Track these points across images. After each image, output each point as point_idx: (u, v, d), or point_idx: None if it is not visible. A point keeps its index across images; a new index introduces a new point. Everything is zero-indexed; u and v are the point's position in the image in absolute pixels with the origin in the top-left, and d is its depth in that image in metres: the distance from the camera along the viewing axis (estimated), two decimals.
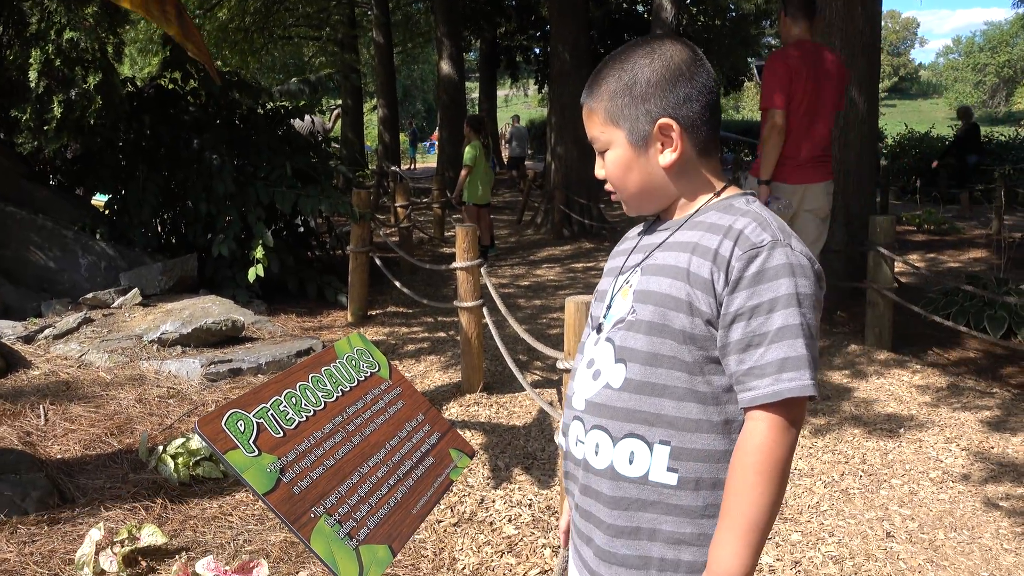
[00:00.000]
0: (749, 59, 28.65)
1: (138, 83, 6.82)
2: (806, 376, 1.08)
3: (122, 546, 2.64)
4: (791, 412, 1.10)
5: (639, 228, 1.37)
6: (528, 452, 3.60)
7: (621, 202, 1.30)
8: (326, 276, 6.62)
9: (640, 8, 20.87)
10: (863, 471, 3.35)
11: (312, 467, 1.37)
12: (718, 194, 1.23)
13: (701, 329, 1.14)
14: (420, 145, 33.30)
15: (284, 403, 1.43)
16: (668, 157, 1.20)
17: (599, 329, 1.29)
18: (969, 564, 2.68)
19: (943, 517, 2.98)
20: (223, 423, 1.29)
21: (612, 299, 1.28)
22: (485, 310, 4.24)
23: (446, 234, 11.04)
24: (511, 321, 3.54)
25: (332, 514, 1.33)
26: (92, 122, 5.35)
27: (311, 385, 1.51)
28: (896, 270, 5.61)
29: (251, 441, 1.31)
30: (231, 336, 4.92)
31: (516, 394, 4.38)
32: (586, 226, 10.92)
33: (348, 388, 1.59)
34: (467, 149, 8.32)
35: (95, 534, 2.63)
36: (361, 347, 1.72)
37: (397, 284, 5.53)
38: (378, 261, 5.86)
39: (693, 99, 1.19)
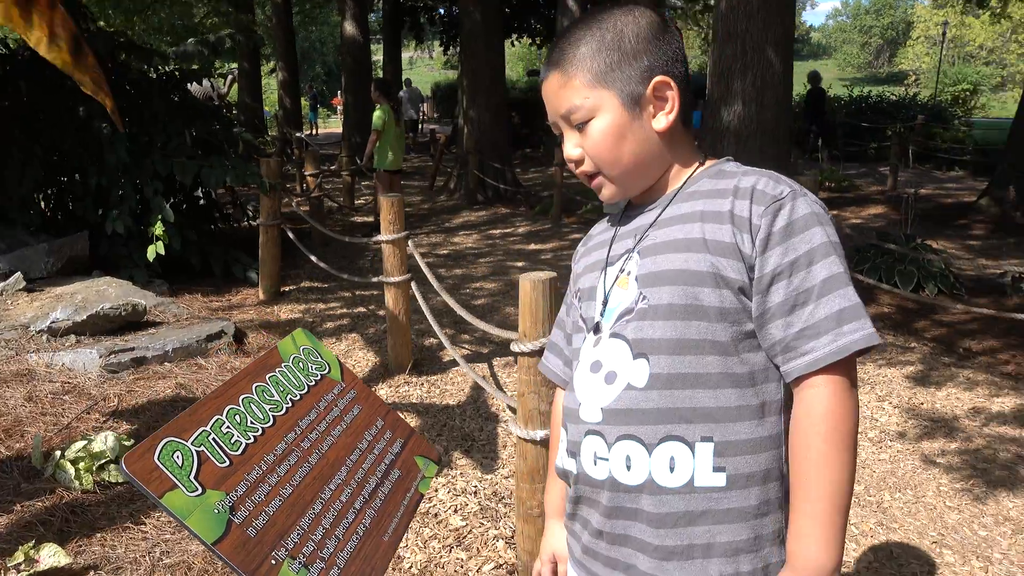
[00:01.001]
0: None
1: (10, 44, 6.13)
2: (868, 324, 0.97)
3: (18, 571, 2.33)
4: (851, 370, 0.99)
5: (604, 223, 1.25)
6: (466, 433, 3.44)
7: (600, 187, 1.13)
8: (233, 251, 6.20)
9: None
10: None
11: (267, 500, 1.15)
12: (702, 163, 1.13)
13: (732, 301, 1.01)
14: (322, 110, 32.15)
15: (227, 423, 1.20)
16: (663, 120, 1.08)
17: (597, 329, 1.12)
18: (917, 524, 2.69)
19: (887, 478, 2.99)
20: (156, 457, 1.06)
21: (608, 294, 1.12)
22: (413, 284, 4.02)
23: (356, 203, 10.65)
24: (446, 297, 3.34)
25: (296, 556, 1.12)
26: None
27: (256, 397, 1.28)
28: None
29: (192, 477, 1.08)
30: (132, 321, 4.51)
31: (447, 371, 4.20)
32: (501, 191, 10.74)
33: (298, 396, 1.37)
34: (376, 113, 7.91)
35: None
36: (308, 345, 1.50)
37: (313, 259, 5.22)
38: (291, 234, 5.51)
39: (680, 58, 1.10)
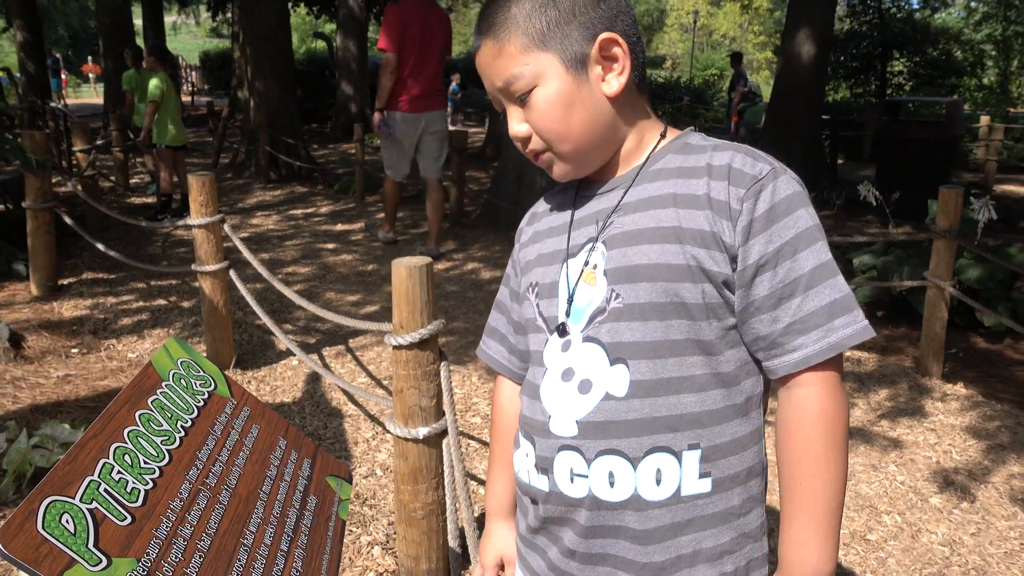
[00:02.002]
0: None
1: None
2: (860, 317, 0.90)
3: None
4: (840, 366, 0.93)
5: (550, 201, 1.12)
6: (310, 432, 3.17)
7: (550, 165, 1.01)
8: None
9: None
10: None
11: (186, 558, 0.91)
12: (663, 135, 1.02)
13: (715, 296, 0.93)
14: (71, 77, 28.68)
15: (117, 467, 0.94)
16: (615, 83, 0.96)
17: (562, 331, 1.00)
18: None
19: None
20: (40, 526, 0.79)
21: (572, 291, 1.00)
22: (233, 273, 3.63)
23: (131, 182, 9.58)
24: (279, 286, 3.04)
25: None
26: None
27: (143, 429, 1.02)
28: None
29: (91, 545, 0.82)
30: None
31: (274, 365, 3.86)
32: (295, 168, 10.16)
33: (189, 422, 1.12)
34: (152, 82, 7.09)
35: None
36: (185, 358, 1.24)
37: (100, 247, 4.58)
38: (68, 219, 4.80)
39: (625, 12, 0.98)
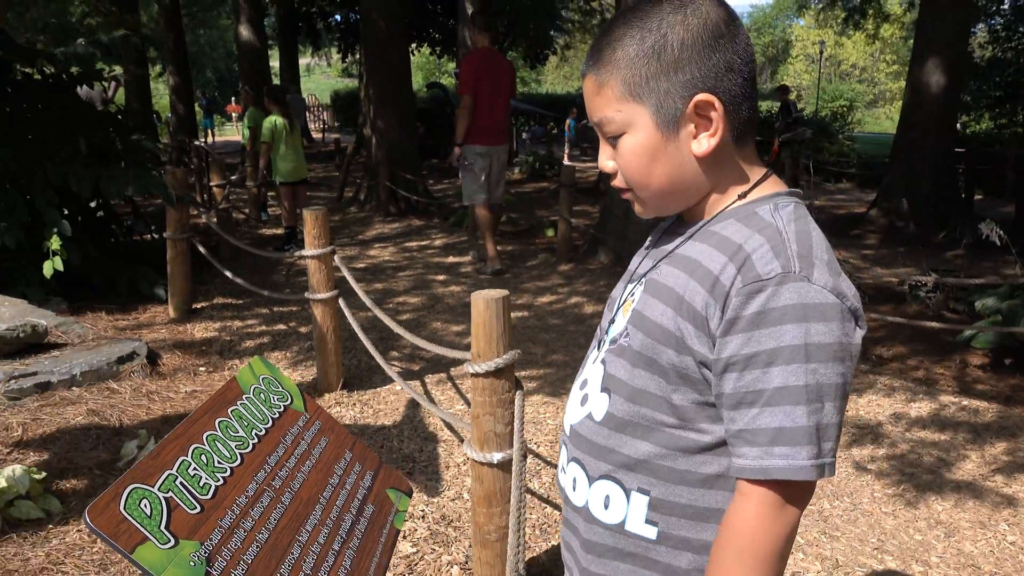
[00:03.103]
0: (552, 32, 29.31)
1: None
2: (802, 455, 0.86)
3: None
4: (788, 490, 0.89)
5: (667, 222, 1.14)
6: (406, 454, 3.32)
7: (632, 203, 1.04)
8: (137, 266, 5.84)
9: None
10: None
11: (244, 547, 1.04)
12: (744, 195, 0.99)
13: (694, 370, 0.94)
14: (217, 117, 31.06)
15: (194, 464, 1.08)
16: (705, 144, 0.95)
17: (598, 345, 1.10)
18: (857, 531, 2.77)
19: (824, 485, 3.07)
20: (122, 507, 0.94)
21: (616, 311, 1.08)
22: (341, 300, 3.88)
23: (271, 212, 10.28)
24: (380, 314, 3.23)
25: None
26: None
27: (220, 434, 1.17)
28: None
29: (163, 527, 0.96)
30: (32, 343, 4.16)
31: (378, 389, 4.06)
32: (413, 203, 10.60)
33: (263, 431, 1.26)
34: (264, 123, 7.67)
35: None
36: (267, 375, 1.39)
37: (228, 274, 4.97)
38: (202, 249, 5.24)
39: (735, 68, 0.94)
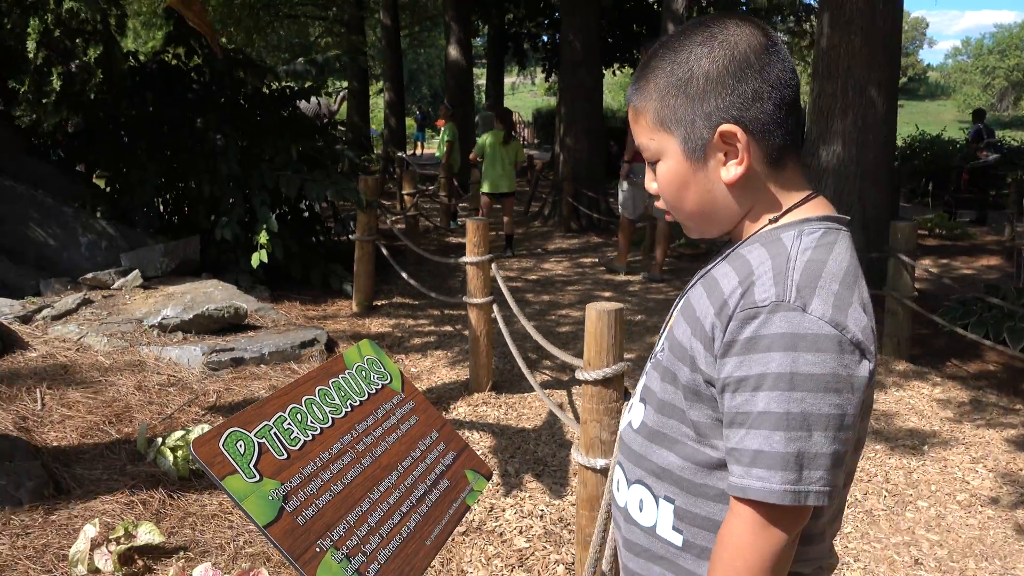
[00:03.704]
0: None
1: (141, 58, 6.65)
2: (775, 479, 0.88)
3: (118, 544, 2.52)
4: (772, 512, 0.91)
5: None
6: (539, 458, 3.47)
7: (680, 223, 1.10)
8: (331, 263, 6.48)
9: None
10: (887, 491, 3.22)
11: (318, 493, 1.24)
12: (776, 219, 1.01)
13: (704, 388, 0.97)
14: (427, 131, 33.10)
15: (288, 420, 1.29)
16: (732, 171, 0.99)
17: (652, 356, 1.15)
18: None
19: (973, 545, 2.85)
20: (221, 444, 1.16)
21: (666, 325, 1.13)
22: (495, 306, 4.10)
23: (453, 224, 10.91)
24: (523, 321, 3.41)
25: (340, 548, 1.20)
26: (92, 96, 5.20)
27: (318, 399, 1.38)
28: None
29: (252, 465, 1.18)
30: (234, 323, 4.78)
31: (525, 394, 4.25)
32: (595, 220, 10.77)
33: (358, 402, 1.46)
34: (479, 139, 8.46)
35: (90, 530, 2.52)
36: (372, 356, 1.59)
37: (404, 275, 5.39)
38: (384, 251, 5.72)
39: (764, 97, 0.97)
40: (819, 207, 1.02)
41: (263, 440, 1.22)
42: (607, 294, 6.82)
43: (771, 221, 1.01)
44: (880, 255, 5.50)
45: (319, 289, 6.34)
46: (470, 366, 4.28)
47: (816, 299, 0.90)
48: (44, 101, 4.99)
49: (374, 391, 1.51)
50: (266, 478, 1.18)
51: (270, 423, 1.26)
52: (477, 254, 4.03)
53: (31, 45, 4.73)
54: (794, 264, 0.93)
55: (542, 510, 2.98)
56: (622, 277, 7.62)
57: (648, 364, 1.14)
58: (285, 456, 1.24)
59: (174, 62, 6.59)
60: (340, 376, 1.47)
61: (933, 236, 10.10)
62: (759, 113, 0.97)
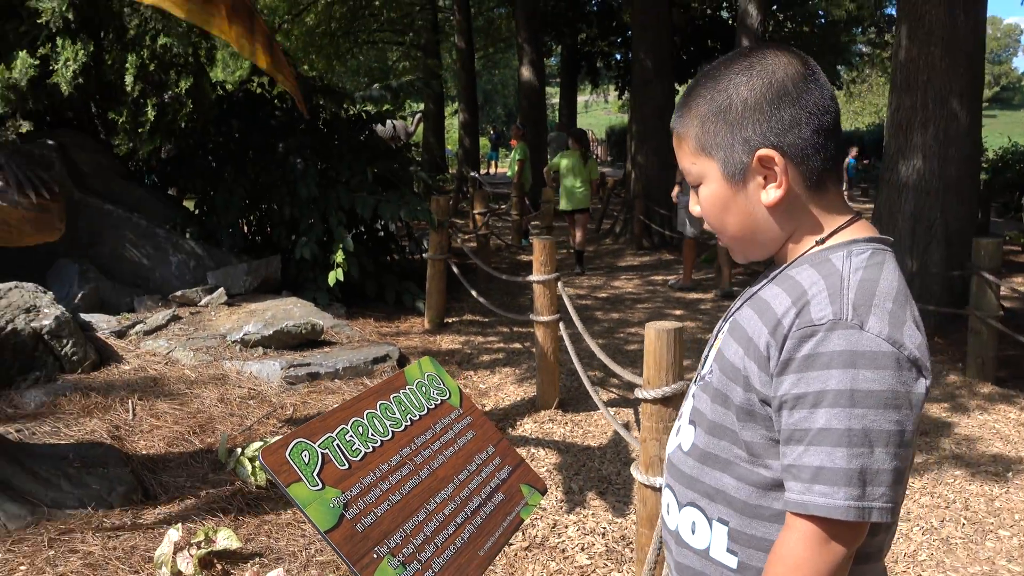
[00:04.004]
0: (839, 67, 27.68)
1: (228, 87, 7.00)
2: (839, 495, 0.90)
3: (199, 548, 2.67)
4: (831, 527, 0.92)
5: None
6: (603, 476, 3.49)
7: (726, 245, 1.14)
8: (404, 282, 6.65)
9: (725, 14, 20.40)
10: (966, 518, 3.11)
11: (377, 503, 1.31)
12: (823, 241, 1.03)
13: (759, 407, 0.99)
14: (501, 150, 33.51)
15: (351, 432, 1.37)
16: (771, 194, 1.02)
17: (696, 380, 1.17)
18: None
19: None
20: (287, 453, 1.25)
21: (709, 349, 1.16)
22: (561, 324, 4.15)
23: (524, 242, 11.01)
24: (588, 339, 3.44)
25: (396, 555, 1.27)
26: (183, 125, 5.52)
27: (379, 413, 1.46)
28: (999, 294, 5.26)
29: (315, 473, 1.26)
30: (310, 339, 4.97)
31: (591, 412, 4.27)
32: (666, 237, 10.69)
33: (417, 417, 1.53)
34: (556, 158, 8.73)
35: (173, 534, 2.67)
36: (432, 372, 1.66)
37: (474, 293, 5.50)
38: (455, 269, 5.84)
39: (801, 123, 1.00)
40: (863, 229, 1.04)
41: (326, 451, 1.31)
42: (677, 312, 6.77)
43: (818, 243, 1.03)
44: (963, 272, 5.31)
45: (393, 306, 6.51)
46: (537, 383, 4.33)
47: (872, 317, 0.92)
48: (139, 130, 5.32)
49: (433, 406, 1.58)
50: (328, 486, 1.26)
51: (333, 435, 1.34)
52: (544, 272, 4.09)
53: (129, 79, 5.06)
54: (848, 283, 0.96)
55: (604, 528, 3.00)
56: (693, 295, 7.55)
57: (694, 386, 1.15)
58: (347, 467, 1.32)
59: (259, 90, 6.92)
60: (401, 391, 1.55)
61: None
62: (796, 138, 1.00)
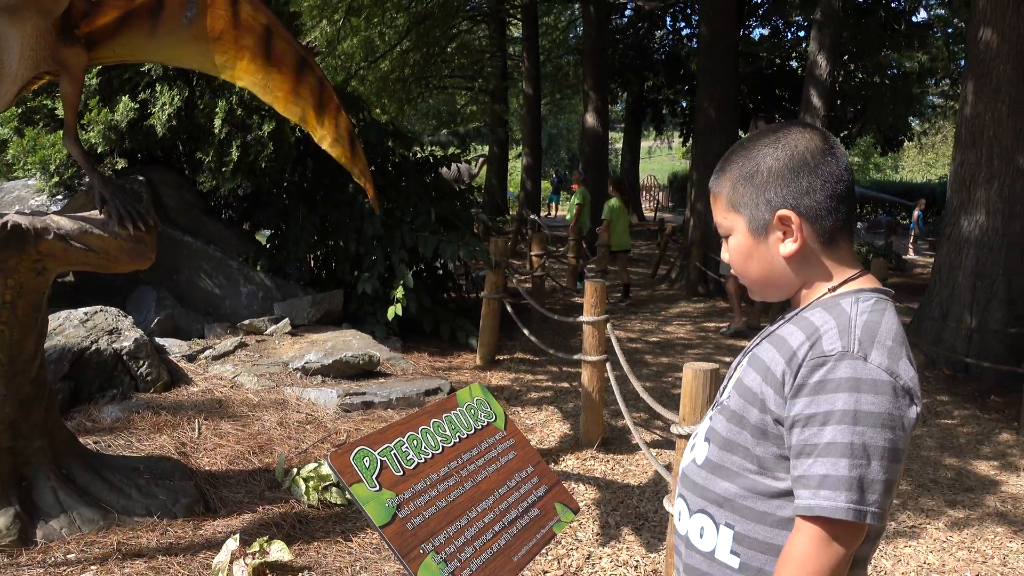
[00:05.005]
0: (911, 119, 27.29)
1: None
2: (841, 498, 1.06)
3: (253, 558, 2.87)
4: (834, 529, 1.08)
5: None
6: (640, 512, 3.60)
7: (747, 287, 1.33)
8: (460, 319, 6.88)
9: (794, 64, 20.46)
10: (1002, 574, 3.11)
11: (426, 506, 1.49)
12: (834, 289, 1.20)
13: (773, 427, 1.15)
14: (563, 193, 33.92)
15: (406, 444, 1.56)
16: (788, 247, 1.21)
17: (714, 406, 1.34)
18: None
19: None
20: (351, 458, 1.44)
21: (729, 379, 1.33)
22: (608, 365, 4.29)
23: (579, 285, 11.17)
24: (632, 379, 3.58)
25: (440, 552, 1.44)
26: (263, 165, 5.90)
27: (432, 430, 1.64)
28: None
29: (374, 476, 1.45)
30: (367, 370, 5.21)
31: (633, 453, 4.37)
32: (722, 285, 10.71)
33: (465, 435, 1.71)
34: (606, 204, 9.55)
35: (231, 544, 2.88)
36: (481, 397, 1.84)
37: (525, 332, 5.68)
38: (509, 308, 6.04)
39: (816, 189, 1.19)
40: (870, 281, 1.22)
41: (385, 458, 1.50)
42: (727, 359, 6.82)
43: (830, 290, 1.21)
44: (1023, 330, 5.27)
45: (447, 342, 6.74)
46: (581, 421, 4.46)
47: (875, 351, 1.10)
48: (223, 169, 5.72)
49: (480, 427, 1.76)
50: (384, 489, 1.45)
51: (391, 445, 1.53)
52: (594, 313, 4.25)
53: (217, 122, 5.47)
54: (855, 323, 1.13)
55: (637, 561, 3.11)
56: (744, 342, 7.58)
57: (711, 411, 1.33)
58: (401, 473, 1.50)
59: None
60: (452, 412, 1.73)
61: None
62: (811, 202, 1.19)
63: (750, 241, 1.24)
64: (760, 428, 1.17)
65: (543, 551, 2.82)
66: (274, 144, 5.69)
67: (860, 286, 1.20)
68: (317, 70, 3.29)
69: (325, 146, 3.30)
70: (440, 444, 1.63)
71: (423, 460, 1.57)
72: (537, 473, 1.80)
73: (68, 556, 2.88)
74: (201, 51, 3.06)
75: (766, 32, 20.86)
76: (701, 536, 1.23)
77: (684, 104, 23.77)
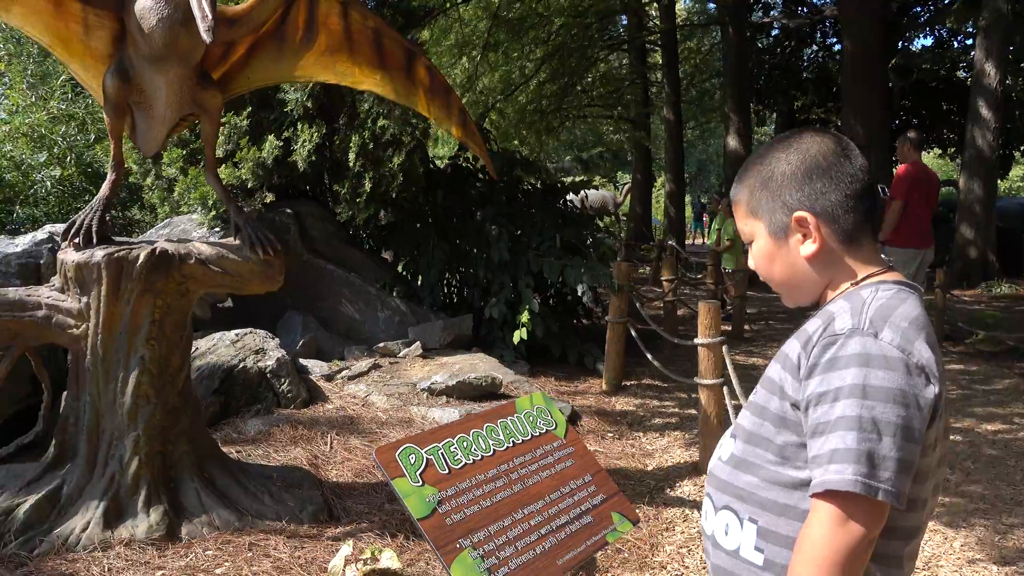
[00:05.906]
0: None
1: (438, 162, 7.76)
2: (848, 471, 1.03)
3: (364, 564, 3.02)
4: (847, 506, 1.04)
5: None
6: None
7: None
8: (587, 343, 6.89)
9: (962, 74, 19.03)
10: None
11: (468, 504, 1.55)
12: (857, 282, 1.20)
13: (791, 414, 1.15)
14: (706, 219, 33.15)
15: (456, 445, 1.63)
16: (808, 248, 1.23)
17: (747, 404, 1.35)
18: None
19: None
20: (397, 454, 1.53)
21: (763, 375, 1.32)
22: (725, 389, 4.17)
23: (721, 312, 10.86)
24: (743, 403, 3.46)
25: (477, 548, 1.49)
26: (395, 195, 6.24)
27: (484, 433, 1.70)
28: None
29: (418, 472, 1.53)
30: (490, 391, 5.34)
31: None
32: None
33: (520, 440, 1.75)
34: (727, 225, 9.55)
35: (346, 549, 3.05)
36: (542, 406, 1.88)
37: (648, 356, 5.61)
38: (633, 333, 5.99)
39: (831, 190, 1.20)
40: (895, 276, 1.21)
41: (431, 456, 1.57)
42: None
43: (852, 284, 1.21)
44: None
45: (575, 367, 6.76)
46: (700, 445, 4.34)
47: (887, 329, 1.10)
48: (357, 200, 6.11)
49: (538, 433, 1.80)
50: (427, 484, 1.52)
51: (439, 445, 1.60)
52: (708, 336, 4.16)
53: (352, 156, 5.87)
54: (869, 304, 1.14)
55: None
56: None
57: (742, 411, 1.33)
58: (446, 471, 1.57)
59: (465, 164, 7.61)
60: (509, 418, 1.79)
61: None
62: (827, 203, 1.21)
63: (771, 245, 1.26)
64: (780, 416, 1.16)
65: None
66: (404, 175, 6.01)
67: (882, 279, 1.20)
68: (424, 59, 3.57)
69: (443, 127, 3.56)
70: (491, 447, 1.69)
71: (470, 461, 1.63)
72: (595, 482, 1.81)
73: (207, 552, 3.16)
74: (323, 65, 3.37)
75: (928, 43, 19.59)
76: (726, 534, 1.22)
77: (839, 123, 22.67)
